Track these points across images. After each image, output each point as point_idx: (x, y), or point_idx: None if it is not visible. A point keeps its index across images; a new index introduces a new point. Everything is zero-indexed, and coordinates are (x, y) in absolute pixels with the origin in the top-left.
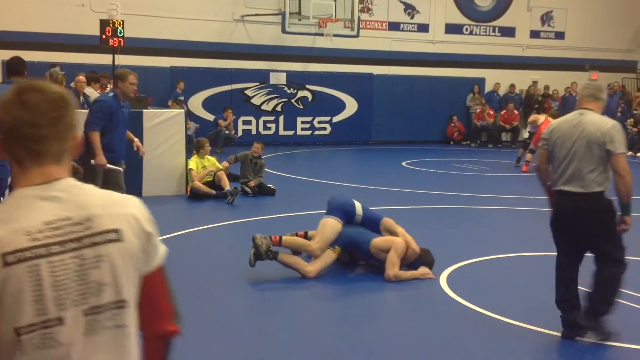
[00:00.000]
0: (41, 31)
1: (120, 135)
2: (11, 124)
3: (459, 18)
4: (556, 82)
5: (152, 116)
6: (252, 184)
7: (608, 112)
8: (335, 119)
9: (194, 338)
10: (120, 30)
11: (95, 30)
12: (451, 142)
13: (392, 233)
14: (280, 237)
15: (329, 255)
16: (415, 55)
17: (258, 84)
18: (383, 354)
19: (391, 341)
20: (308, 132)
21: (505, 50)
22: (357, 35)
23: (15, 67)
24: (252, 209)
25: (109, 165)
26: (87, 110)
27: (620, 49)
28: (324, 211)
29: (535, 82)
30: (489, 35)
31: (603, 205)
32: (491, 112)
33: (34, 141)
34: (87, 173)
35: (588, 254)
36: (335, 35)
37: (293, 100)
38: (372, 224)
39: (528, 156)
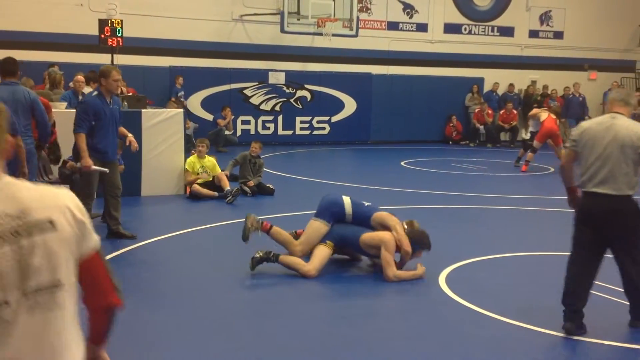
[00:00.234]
0: (39, 31)
1: (111, 134)
2: None
3: (457, 18)
4: (555, 81)
5: (150, 116)
6: (251, 183)
7: None
8: (334, 118)
9: (193, 338)
10: (119, 30)
11: (94, 30)
12: (450, 142)
13: (385, 227)
14: (271, 226)
15: (323, 251)
16: (414, 55)
17: (257, 83)
18: (382, 353)
19: (390, 341)
20: (307, 132)
21: (504, 50)
22: (356, 35)
23: (9, 68)
24: (251, 208)
25: (94, 167)
26: None
27: (619, 49)
28: None
29: (534, 82)
30: (488, 35)
31: (633, 208)
32: (490, 112)
33: None
34: (82, 173)
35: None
36: (334, 35)
37: (292, 100)
38: (364, 220)
39: (529, 156)
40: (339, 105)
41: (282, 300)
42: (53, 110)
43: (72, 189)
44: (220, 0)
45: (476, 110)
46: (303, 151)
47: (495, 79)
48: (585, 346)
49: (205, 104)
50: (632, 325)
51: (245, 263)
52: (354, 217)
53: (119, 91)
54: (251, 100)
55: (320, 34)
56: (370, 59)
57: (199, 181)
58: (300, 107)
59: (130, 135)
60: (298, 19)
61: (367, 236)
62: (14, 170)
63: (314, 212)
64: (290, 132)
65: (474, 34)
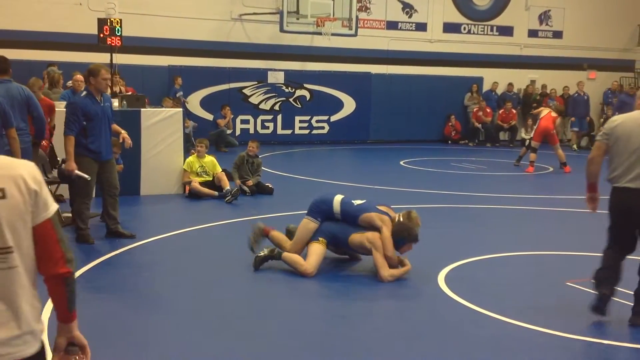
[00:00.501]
0: (38, 30)
1: (104, 133)
2: None
3: (457, 17)
4: (554, 81)
5: (150, 115)
6: (250, 183)
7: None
8: (333, 118)
9: (191, 337)
10: (118, 29)
11: (92, 29)
12: (449, 142)
13: (374, 229)
14: (270, 231)
15: (318, 248)
16: (413, 55)
17: (256, 83)
18: (381, 353)
19: (389, 340)
20: (306, 131)
21: (503, 49)
22: (355, 35)
23: (1, 66)
24: (250, 208)
25: (77, 172)
26: None
27: (618, 48)
28: None
29: (533, 81)
30: (487, 34)
31: None
32: (488, 110)
33: None
34: (80, 169)
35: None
36: (333, 34)
37: (291, 100)
38: (352, 220)
39: (532, 156)
40: (338, 105)
41: (280, 299)
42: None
43: (71, 188)
44: (219, 0)
45: (475, 109)
46: (302, 150)
47: (495, 79)
48: (585, 346)
49: (205, 103)
50: (632, 322)
51: (244, 263)
52: (343, 216)
53: (118, 90)
54: (250, 99)
55: (320, 34)
56: (369, 59)
57: (198, 180)
58: (300, 106)
59: (123, 132)
60: (297, 19)
61: (357, 238)
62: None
63: None
64: (289, 132)
65: (473, 33)
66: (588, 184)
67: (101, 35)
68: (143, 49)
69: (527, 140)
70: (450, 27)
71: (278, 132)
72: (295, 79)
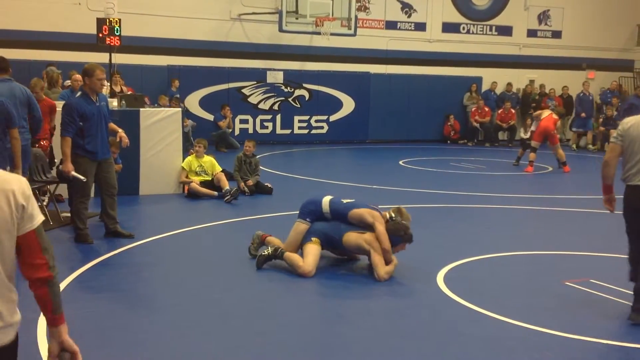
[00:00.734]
0: (37, 29)
1: (100, 133)
2: None
3: (456, 17)
4: (553, 81)
5: (148, 115)
6: (250, 183)
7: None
8: (332, 117)
9: (190, 337)
10: (117, 29)
11: (91, 29)
12: (448, 141)
13: (366, 224)
14: (266, 236)
15: (312, 248)
16: (413, 54)
17: (255, 82)
18: (380, 353)
19: (388, 340)
20: (305, 131)
21: (502, 49)
22: (354, 34)
23: (2, 65)
24: (249, 207)
25: (73, 174)
26: None
27: (617, 48)
28: None
29: (532, 81)
30: (486, 34)
31: None
32: (486, 109)
33: None
34: (77, 170)
35: None
36: (332, 34)
37: (290, 99)
38: (341, 217)
39: (531, 156)
40: (338, 105)
41: (279, 299)
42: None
43: (69, 188)
44: (218, 0)
45: (473, 109)
46: (301, 150)
47: (494, 79)
48: (584, 345)
49: (204, 103)
50: (633, 320)
51: (243, 262)
52: (332, 214)
53: (119, 90)
54: (249, 99)
55: (319, 33)
56: (368, 58)
57: (197, 180)
58: (299, 106)
59: (120, 130)
60: (296, 18)
61: (352, 238)
62: (8, 162)
63: None
64: (288, 131)
65: (472, 33)
66: (604, 186)
67: (100, 35)
68: (142, 48)
69: (525, 141)
70: (450, 27)
71: (277, 132)
72: (294, 79)
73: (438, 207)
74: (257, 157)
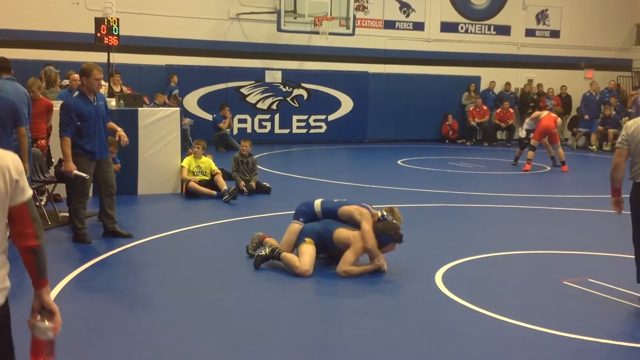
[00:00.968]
0: (35, 29)
1: (98, 133)
2: None
3: (454, 16)
4: (551, 80)
5: (147, 115)
6: (252, 184)
7: None
8: (331, 117)
9: (189, 336)
10: (116, 29)
11: (90, 29)
12: (446, 141)
13: (355, 222)
14: (265, 237)
15: (307, 248)
16: (411, 54)
17: (253, 82)
18: (378, 352)
19: (387, 340)
20: (303, 131)
21: (501, 48)
22: (353, 34)
23: (4, 65)
24: (248, 207)
25: (75, 172)
26: None
27: (616, 48)
28: None
29: (530, 81)
30: (485, 33)
31: None
32: (485, 108)
33: None
34: (77, 169)
35: None
36: (330, 34)
37: (288, 99)
38: (332, 215)
39: (530, 154)
40: (336, 104)
41: (277, 298)
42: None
43: (67, 187)
44: None
45: (471, 108)
46: (300, 150)
47: (492, 78)
48: (583, 345)
49: (202, 102)
50: None
51: (241, 262)
52: (324, 213)
53: (119, 90)
54: (248, 99)
55: (317, 33)
56: (367, 58)
57: (194, 178)
58: (297, 105)
59: (119, 129)
60: (295, 18)
61: (342, 234)
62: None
63: None
64: (287, 131)
65: (471, 32)
66: (613, 189)
67: (98, 34)
68: (140, 48)
69: (523, 140)
70: (448, 27)
71: (275, 132)
72: (292, 78)
73: (436, 207)
74: (255, 156)
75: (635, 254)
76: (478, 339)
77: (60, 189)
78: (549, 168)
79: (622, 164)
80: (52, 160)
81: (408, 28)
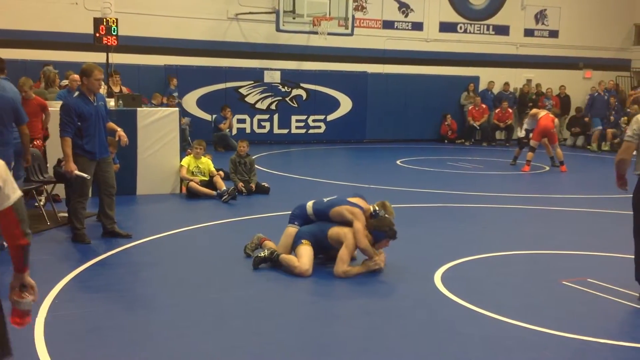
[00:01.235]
0: (34, 29)
1: (98, 133)
2: None
3: (453, 16)
4: (550, 80)
5: (146, 115)
6: (252, 185)
7: None
8: (330, 117)
9: (188, 337)
10: (114, 29)
11: (89, 29)
12: (445, 141)
13: (347, 222)
14: (264, 240)
15: (304, 249)
16: (410, 54)
17: (252, 82)
18: (377, 352)
19: (386, 340)
20: (302, 131)
21: (500, 48)
22: (352, 34)
23: (1, 65)
24: (247, 207)
25: (76, 172)
26: None
27: (614, 48)
28: None
29: (529, 81)
30: (483, 33)
31: None
32: (483, 106)
33: None
34: (78, 168)
35: None
36: (329, 34)
37: (287, 99)
38: (324, 216)
39: (529, 155)
40: (335, 104)
41: (277, 299)
42: (50, 109)
43: (67, 187)
44: None
45: (470, 107)
46: (298, 150)
47: (491, 78)
48: (581, 344)
49: (201, 102)
50: None
51: (241, 262)
52: (316, 215)
53: (118, 90)
54: (247, 99)
55: (316, 33)
56: (365, 58)
57: (193, 178)
58: (296, 105)
59: (119, 129)
60: (293, 18)
61: (333, 232)
62: (13, 157)
63: None
64: (285, 131)
65: (470, 32)
66: (619, 175)
67: (97, 34)
68: (139, 48)
69: (521, 140)
70: (447, 27)
71: (274, 132)
72: (291, 79)
73: (435, 207)
74: (254, 157)
75: (635, 251)
76: (477, 338)
77: (59, 189)
78: (547, 168)
79: (629, 160)
80: (47, 164)
81: (407, 28)
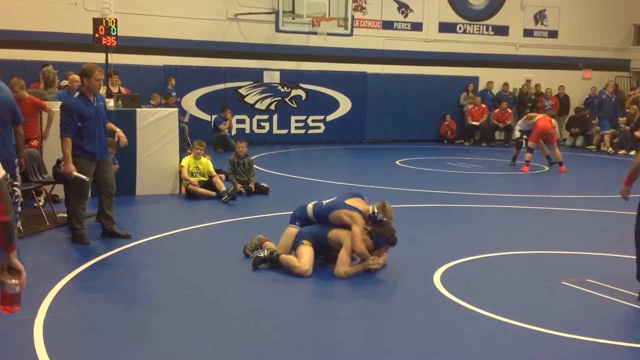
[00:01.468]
0: (33, 30)
1: (98, 134)
2: None
3: (452, 17)
4: (549, 80)
5: (145, 115)
6: (251, 186)
7: None
8: (329, 117)
9: (187, 337)
10: (114, 29)
11: (88, 29)
12: (445, 141)
13: (346, 225)
14: (264, 241)
15: (304, 249)
16: (409, 54)
17: (252, 82)
18: (377, 352)
19: (385, 340)
20: (302, 131)
21: (499, 49)
22: (351, 34)
23: None
24: (246, 207)
25: (75, 174)
26: None
27: (614, 48)
28: None
29: (528, 81)
30: (483, 34)
31: None
32: (483, 106)
33: None
34: (77, 170)
35: None
36: (329, 34)
37: (287, 99)
38: (324, 219)
39: (527, 156)
40: (334, 104)
41: (277, 299)
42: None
43: (66, 188)
44: None
45: (470, 107)
46: (298, 150)
47: (490, 78)
48: (580, 344)
49: (200, 103)
50: None
51: (240, 263)
52: (316, 217)
53: (117, 90)
54: (246, 99)
55: (315, 33)
56: (365, 58)
57: (193, 180)
58: (295, 106)
59: (118, 130)
60: (293, 18)
61: (333, 234)
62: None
63: None
64: (285, 131)
65: (469, 33)
66: (631, 180)
67: (96, 35)
68: (138, 48)
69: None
70: (446, 27)
71: (274, 132)
72: (291, 79)
73: (435, 207)
74: (253, 157)
75: (637, 250)
76: (476, 338)
77: (59, 190)
78: (547, 168)
79: None
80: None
81: (406, 28)
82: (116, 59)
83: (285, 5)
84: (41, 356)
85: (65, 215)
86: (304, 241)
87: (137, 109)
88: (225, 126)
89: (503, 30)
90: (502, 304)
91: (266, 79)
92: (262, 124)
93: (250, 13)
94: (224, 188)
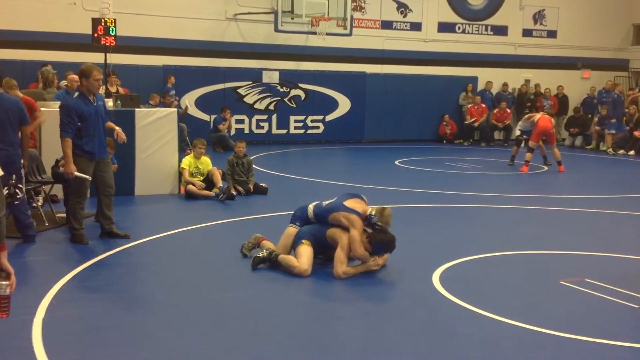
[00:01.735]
0: (32, 29)
1: (97, 134)
2: None
3: (451, 17)
4: (548, 80)
5: (144, 115)
6: (250, 186)
7: None
8: (328, 117)
9: (187, 337)
10: (113, 29)
11: (87, 29)
12: (444, 141)
13: (343, 227)
14: (262, 240)
15: (304, 249)
16: (408, 54)
17: (251, 82)
18: (377, 353)
19: (385, 340)
20: (301, 131)
21: (498, 48)
22: (350, 34)
23: None
24: (245, 207)
25: (76, 174)
26: None
27: (613, 48)
28: None
29: (527, 81)
30: (482, 33)
31: None
32: (483, 105)
33: None
34: (77, 168)
35: None
36: (328, 34)
37: (286, 99)
38: (324, 220)
39: (527, 156)
40: (333, 104)
41: (276, 299)
42: (48, 109)
43: (65, 188)
44: None
45: (470, 106)
46: (297, 150)
47: (489, 78)
48: (579, 344)
49: (199, 103)
50: None
51: (240, 263)
52: (316, 217)
53: (115, 90)
54: (245, 99)
55: (314, 33)
56: (364, 58)
57: (192, 180)
58: (295, 106)
59: (117, 128)
60: (292, 18)
61: (331, 232)
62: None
63: None
64: (284, 131)
65: (468, 33)
66: None
67: (95, 35)
68: (137, 48)
69: (518, 138)
70: (445, 27)
71: (273, 132)
72: (290, 79)
73: (434, 207)
74: (252, 157)
75: None
76: (475, 339)
77: (58, 190)
78: (546, 168)
79: None
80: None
81: (405, 28)
82: (115, 58)
83: (284, 5)
84: (40, 356)
85: (64, 215)
86: (303, 241)
87: (136, 109)
88: (224, 126)
89: (502, 30)
90: (501, 304)
91: (265, 79)
92: (261, 124)
93: (249, 13)
94: (220, 184)
